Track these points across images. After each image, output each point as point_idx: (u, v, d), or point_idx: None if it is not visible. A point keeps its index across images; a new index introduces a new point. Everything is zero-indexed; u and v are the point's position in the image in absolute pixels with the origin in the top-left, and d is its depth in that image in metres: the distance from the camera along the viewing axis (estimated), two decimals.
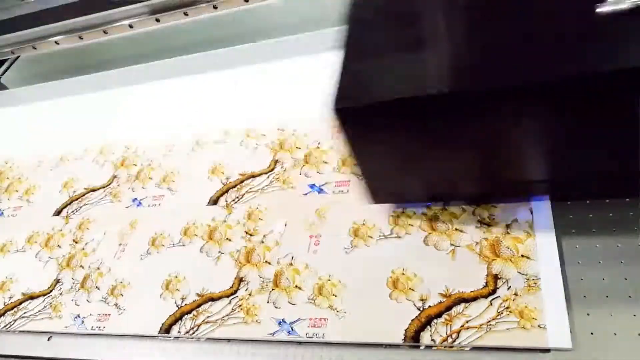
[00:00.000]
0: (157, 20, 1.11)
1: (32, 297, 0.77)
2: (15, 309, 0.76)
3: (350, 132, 0.54)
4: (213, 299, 0.66)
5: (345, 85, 0.53)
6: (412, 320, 0.55)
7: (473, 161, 0.56)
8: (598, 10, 0.46)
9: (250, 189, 0.77)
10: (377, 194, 0.63)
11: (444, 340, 0.53)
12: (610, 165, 0.53)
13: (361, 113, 0.52)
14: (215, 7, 1.06)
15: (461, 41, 0.53)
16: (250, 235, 0.71)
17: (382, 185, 0.62)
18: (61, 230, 0.85)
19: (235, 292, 0.65)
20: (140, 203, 0.83)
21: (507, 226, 0.59)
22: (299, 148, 0.79)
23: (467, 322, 0.54)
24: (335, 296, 0.60)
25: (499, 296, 0.54)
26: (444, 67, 0.51)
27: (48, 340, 0.70)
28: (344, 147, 0.56)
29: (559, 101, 0.47)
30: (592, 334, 0.50)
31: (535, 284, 0.54)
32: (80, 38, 1.18)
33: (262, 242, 0.69)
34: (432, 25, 0.55)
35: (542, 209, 0.59)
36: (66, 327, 0.70)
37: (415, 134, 0.54)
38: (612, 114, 0.47)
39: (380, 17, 0.59)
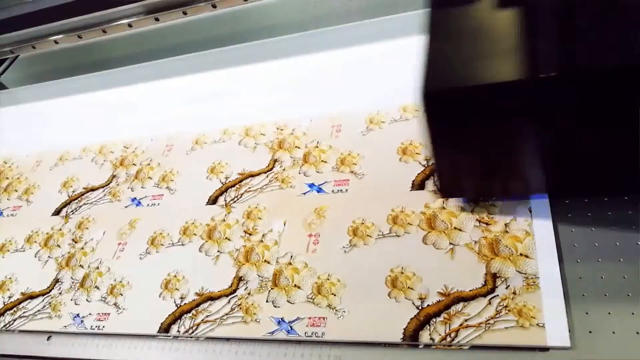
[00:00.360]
0: (156, 20, 1.11)
1: (32, 297, 0.77)
2: (15, 309, 0.76)
3: (436, 118, 0.51)
4: (212, 298, 0.66)
5: (435, 69, 0.50)
6: (411, 319, 0.55)
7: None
8: None
9: (249, 188, 0.77)
10: (453, 188, 0.62)
11: (442, 339, 0.53)
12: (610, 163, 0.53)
13: (452, 97, 0.50)
14: (214, 6, 1.06)
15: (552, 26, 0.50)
16: (249, 234, 0.71)
17: (459, 178, 0.61)
18: (60, 229, 0.85)
19: (235, 291, 0.65)
20: (139, 202, 0.83)
21: (506, 225, 0.59)
22: (298, 147, 0.79)
23: (465, 321, 0.54)
24: (334, 295, 0.60)
25: (498, 295, 0.54)
26: (539, 51, 0.48)
27: (47, 339, 0.71)
28: (425, 136, 0.53)
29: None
30: (590, 332, 0.50)
31: (534, 282, 0.54)
32: (80, 37, 1.18)
33: (261, 241, 0.69)
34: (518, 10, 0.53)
35: (541, 207, 0.59)
36: (65, 326, 0.70)
37: (503, 121, 0.51)
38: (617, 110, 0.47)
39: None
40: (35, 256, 0.83)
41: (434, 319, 0.55)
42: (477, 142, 0.54)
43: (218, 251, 0.71)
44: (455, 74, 0.50)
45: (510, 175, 0.59)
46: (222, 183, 0.79)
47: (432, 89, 0.49)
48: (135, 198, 0.84)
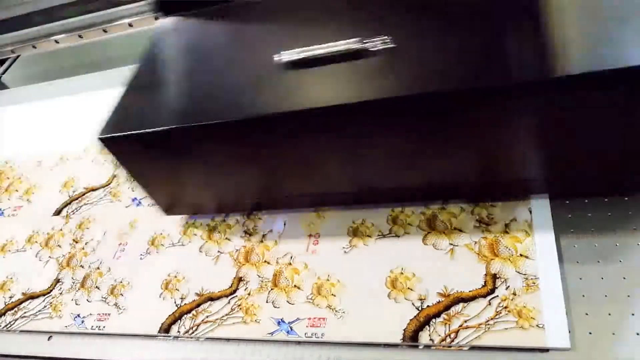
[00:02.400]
0: (156, 19, 1.10)
1: (33, 297, 0.77)
2: (16, 309, 0.76)
3: (121, 157, 0.65)
4: (212, 299, 0.66)
5: (114, 116, 0.63)
6: (410, 319, 0.55)
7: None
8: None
9: None
10: (167, 207, 0.74)
11: (442, 340, 0.53)
12: (610, 163, 0.53)
13: (121, 141, 0.61)
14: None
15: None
16: (249, 234, 0.71)
17: (168, 198, 0.73)
18: (61, 229, 0.85)
19: (235, 291, 0.65)
20: (139, 202, 0.83)
21: (506, 225, 0.59)
22: None
23: (465, 321, 0.54)
24: (334, 296, 0.60)
25: (498, 296, 0.54)
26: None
27: (48, 339, 0.71)
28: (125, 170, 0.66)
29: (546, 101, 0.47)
30: (590, 333, 0.50)
31: (534, 283, 0.54)
32: (80, 37, 1.18)
33: (261, 241, 0.69)
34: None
35: (541, 208, 0.59)
36: (66, 326, 0.71)
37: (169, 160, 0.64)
38: (610, 112, 0.47)
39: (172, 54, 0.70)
40: (36, 256, 0.83)
41: (434, 320, 0.55)
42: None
43: (218, 251, 0.71)
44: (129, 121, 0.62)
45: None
46: None
47: (102, 134, 0.62)
48: (135, 198, 0.84)
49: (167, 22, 0.76)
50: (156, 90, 0.65)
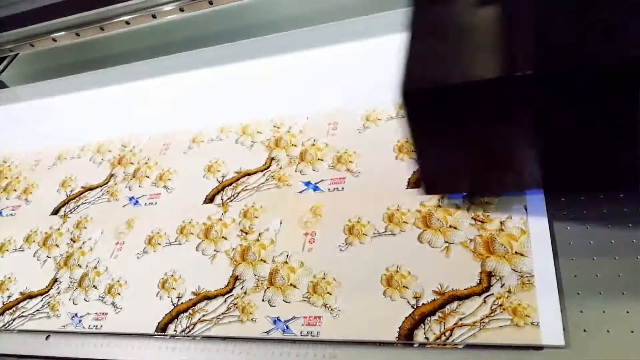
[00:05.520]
0: (154, 17, 1.10)
1: (31, 296, 0.77)
2: (14, 308, 0.77)
3: (416, 115, 0.53)
4: (209, 298, 0.66)
5: (414, 68, 0.51)
6: (405, 318, 0.55)
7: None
8: None
9: (246, 186, 0.77)
10: (434, 184, 0.62)
11: (437, 338, 0.53)
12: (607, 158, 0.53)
13: (430, 96, 0.51)
14: (211, 3, 1.05)
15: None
16: (246, 233, 0.71)
17: (439, 174, 0.61)
18: (59, 229, 0.85)
19: (231, 290, 0.65)
20: (137, 201, 0.83)
21: (502, 223, 0.59)
22: (295, 145, 0.79)
23: (460, 319, 0.54)
24: (330, 294, 0.60)
25: (493, 294, 0.54)
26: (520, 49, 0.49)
27: (46, 339, 0.71)
28: (407, 132, 0.55)
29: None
30: (585, 331, 0.49)
31: (529, 281, 0.54)
32: (77, 35, 1.18)
33: (258, 240, 0.69)
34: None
35: (536, 205, 0.58)
36: (64, 326, 0.71)
37: (484, 118, 0.52)
38: (612, 106, 0.47)
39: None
40: (34, 256, 0.83)
41: (429, 318, 0.55)
42: (458, 139, 0.55)
43: (215, 250, 0.71)
44: (434, 72, 0.51)
45: (497, 171, 0.59)
46: (218, 182, 0.79)
47: (411, 88, 0.50)
48: (132, 197, 0.84)
49: None
50: (462, 34, 0.53)
